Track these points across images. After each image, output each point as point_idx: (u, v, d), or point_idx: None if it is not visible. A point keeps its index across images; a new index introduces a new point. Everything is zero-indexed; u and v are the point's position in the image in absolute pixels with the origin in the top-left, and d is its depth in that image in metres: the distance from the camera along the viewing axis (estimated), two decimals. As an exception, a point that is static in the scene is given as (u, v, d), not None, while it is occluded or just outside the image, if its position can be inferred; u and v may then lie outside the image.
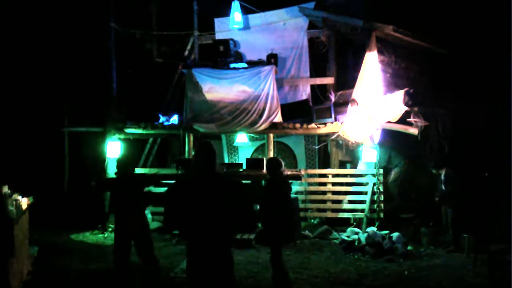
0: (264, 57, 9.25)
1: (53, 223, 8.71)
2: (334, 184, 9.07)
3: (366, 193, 8.75)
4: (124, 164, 5.34)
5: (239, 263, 6.42)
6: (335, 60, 9.82)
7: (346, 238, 7.75)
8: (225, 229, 3.71)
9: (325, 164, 9.83)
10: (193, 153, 3.99)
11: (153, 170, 9.31)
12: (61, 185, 9.85)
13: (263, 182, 7.87)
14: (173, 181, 8.80)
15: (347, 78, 9.64)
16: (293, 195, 8.60)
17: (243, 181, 8.55)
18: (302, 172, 8.86)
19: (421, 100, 8.60)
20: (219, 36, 10.22)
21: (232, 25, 10.04)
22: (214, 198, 3.67)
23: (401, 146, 9.18)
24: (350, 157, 9.72)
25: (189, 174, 4.18)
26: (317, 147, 9.83)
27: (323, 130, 8.87)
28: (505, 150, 7.82)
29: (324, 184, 9.15)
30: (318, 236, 8.32)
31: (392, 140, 9.03)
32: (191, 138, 9.31)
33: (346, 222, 8.86)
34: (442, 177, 7.56)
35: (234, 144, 9.92)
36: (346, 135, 8.61)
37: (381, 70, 8.55)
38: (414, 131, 8.55)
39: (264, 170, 8.43)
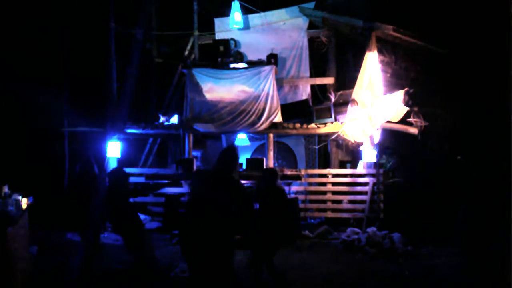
0: (264, 57, 9.24)
1: (53, 223, 8.70)
2: (334, 184, 9.06)
3: (366, 193, 8.75)
4: None
5: (238, 263, 6.41)
6: (335, 60, 9.83)
7: (346, 238, 7.75)
8: (226, 224, 3.96)
9: (325, 164, 9.83)
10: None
11: (152, 170, 9.32)
12: (61, 185, 9.84)
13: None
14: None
15: (347, 78, 9.65)
16: (293, 195, 8.64)
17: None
18: (302, 172, 8.86)
19: (421, 100, 8.60)
20: (219, 36, 10.22)
21: (232, 25, 10.04)
22: (222, 194, 3.98)
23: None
24: (350, 157, 9.73)
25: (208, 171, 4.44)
26: (317, 147, 9.83)
27: (323, 130, 8.88)
28: (505, 150, 7.82)
29: (324, 184, 9.14)
30: (318, 236, 8.30)
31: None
32: (191, 138, 9.31)
33: (346, 222, 8.85)
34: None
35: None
36: (346, 135, 8.61)
37: (381, 70, 8.57)
38: (414, 131, 8.56)
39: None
